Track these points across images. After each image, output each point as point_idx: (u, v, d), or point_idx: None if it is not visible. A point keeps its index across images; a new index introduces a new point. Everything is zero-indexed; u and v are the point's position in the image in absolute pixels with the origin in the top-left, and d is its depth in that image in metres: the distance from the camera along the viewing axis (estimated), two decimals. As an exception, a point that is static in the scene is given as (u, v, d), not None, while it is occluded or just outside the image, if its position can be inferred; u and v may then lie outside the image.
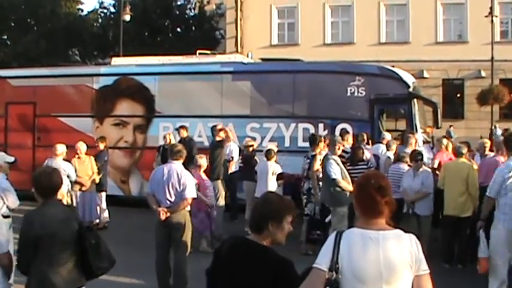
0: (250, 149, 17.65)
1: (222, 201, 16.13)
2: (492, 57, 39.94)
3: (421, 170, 13.60)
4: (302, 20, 46.22)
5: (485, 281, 11.29)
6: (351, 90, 19.73)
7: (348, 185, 13.25)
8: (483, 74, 43.54)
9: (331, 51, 42.67)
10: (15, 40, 46.84)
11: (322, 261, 4.41)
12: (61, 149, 15.73)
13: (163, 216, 10.42)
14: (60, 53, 45.05)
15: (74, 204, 16.24)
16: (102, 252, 6.50)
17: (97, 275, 6.64)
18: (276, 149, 16.49)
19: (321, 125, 19.75)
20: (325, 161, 13.67)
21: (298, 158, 16.34)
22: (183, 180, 10.51)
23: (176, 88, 21.49)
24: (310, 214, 14.40)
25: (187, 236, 10.77)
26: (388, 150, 16.22)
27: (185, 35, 47.53)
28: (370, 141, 17.96)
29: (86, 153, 16.89)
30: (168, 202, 10.50)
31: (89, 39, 47.69)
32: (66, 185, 15.82)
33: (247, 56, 25.93)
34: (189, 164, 13.38)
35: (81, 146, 16.75)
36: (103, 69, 24.30)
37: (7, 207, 8.98)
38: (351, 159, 14.97)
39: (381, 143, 17.39)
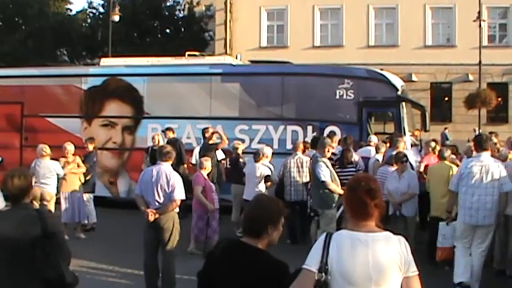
0: (239, 151, 17.61)
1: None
2: (480, 61, 40.07)
3: (405, 171, 13.65)
4: (291, 22, 46.23)
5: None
6: (339, 93, 19.79)
7: (336, 188, 13.29)
8: (471, 77, 43.71)
9: (320, 53, 42.76)
10: (2, 39, 46.49)
11: (312, 262, 4.44)
12: (49, 149, 15.75)
13: (151, 218, 10.40)
14: (48, 53, 44.81)
15: (63, 205, 16.22)
16: (51, 263, 5.96)
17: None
18: (270, 152, 16.46)
19: (309, 128, 19.81)
20: (314, 163, 13.69)
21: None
22: (172, 182, 10.49)
23: (165, 89, 21.46)
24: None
25: (176, 238, 10.76)
26: (377, 153, 16.26)
27: (174, 36, 47.40)
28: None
29: (74, 154, 16.81)
30: (157, 203, 10.48)
31: (78, 39, 47.38)
32: (54, 186, 15.88)
33: (236, 58, 25.96)
34: (177, 164, 13.37)
35: (69, 147, 16.68)
36: (92, 70, 24.27)
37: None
38: (340, 161, 15.01)
39: (369, 145, 17.42)
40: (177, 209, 10.84)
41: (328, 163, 13.64)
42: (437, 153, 15.47)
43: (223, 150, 18.40)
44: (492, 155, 11.82)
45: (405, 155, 13.99)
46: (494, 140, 17.68)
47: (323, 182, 13.23)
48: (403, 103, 19.95)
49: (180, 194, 10.58)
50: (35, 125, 22.50)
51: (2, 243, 5.84)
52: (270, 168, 15.90)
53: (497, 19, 46.62)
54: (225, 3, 46.43)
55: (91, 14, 50.83)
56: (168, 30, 49.24)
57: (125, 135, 21.79)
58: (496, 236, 12.46)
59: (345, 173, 14.40)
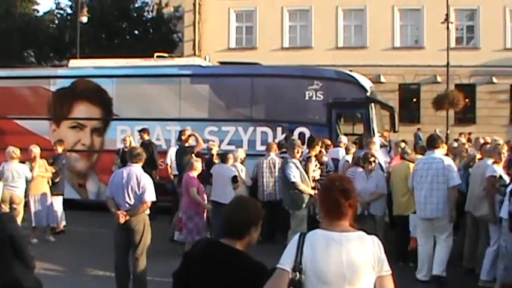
0: (213, 152, 17.56)
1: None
2: (448, 63, 40.37)
3: (374, 172, 13.73)
4: (260, 23, 46.27)
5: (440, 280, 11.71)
6: (309, 94, 19.85)
7: (306, 188, 13.35)
8: (439, 79, 44.05)
9: (289, 55, 42.86)
10: (-32, 40, 46.20)
11: (286, 261, 4.46)
12: (18, 151, 15.61)
13: (122, 220, 10.35)
14: (15, 54, 44.51)
15: (32, 208, 16.10)
16: (7, 267, 5.99)
17: None
18: (243, 154, 16.45)
19: (279, 129, 19.85)
20: (284, 164, 13.73)
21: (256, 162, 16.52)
22: (143, 184, 10.45)
23: (134, 91, 21.38)
24: (311, 214, 14.48)
25: (147, 239, 10.73)
26: (346, 153, 16.33)
27: (143, 38, 47.26)
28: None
29: (41, 157, 16.67)
30: (128, 205, 10.43)
31: (45, 40, 47.03)
32: (23, 189, 15.73)
33: (205, 59, 25.97)
34: (149, 167, 13.32)
35: (35, 149, 16.52)
36: (60, 71, 24.17)
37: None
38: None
39: (339, 146, 17.50)
40: (148, 211, 10.80)
41: (298, 164, 13.71)
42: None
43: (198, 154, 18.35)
44: (447, 154, 12.56)
45: (373, 155, 14.07)
46: (463, 140, 17.91)
47: (293, 182, 13.28)
48: (372, 104, 20.08)
49: (150, 196, 10.54)
50: (2, 127, 22.25)
51: None
52: (242, 170, 15.90)
53: (464, 21, 47.06)
54: (194, 4, 46.28)
55: (58, 15, 50.52)
56: (136, 32, 49.17)
57: (94, 137, 21.66)
58: (466, 235, 12.68)
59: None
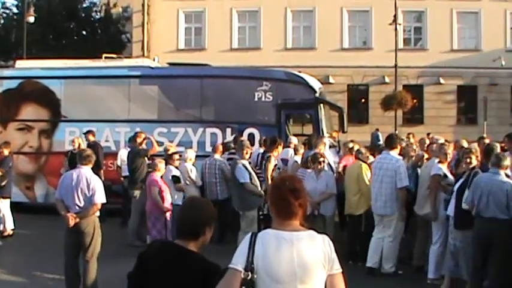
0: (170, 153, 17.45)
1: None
2: (396, 64, 40.86)
3: (323, 172, 13.81)
4: (209, 24, 46.31)
5: (390, 278, 11.86)
6: (258, 95, 19.89)
7: (256, 189, 13.39)
8: (387, 80, 44.59)
9: (238, 56, 42.88)
10: None
11: (238, 261, 4.48)
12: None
13: (72, 222, 10.25)
14: (-41, 55, 43.97)
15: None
16: None
17: None
18: (193, 154, 16.39)
19: (228, 130, 19.84)
20: (233, 165, 13.75)
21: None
22: (92, 185, 10.37)
23: (82, 92, 21.14)
24: (270, 214, 14.45)
25: (97, 242, 10.65)
26: (295, 154, 16.38)
27: (91, 38, 46.87)
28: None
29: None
30: (77, 208, 10.34)
31: (-10, 40, 46.49)
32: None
33: (154, 60, 25.85)
34: (95, 169, 13.21)
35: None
36: (7, 72, 23.84)
37: None
38: (260, 163, 15.09)
39: (288, 147, 17.55)
40: (98, 213, 10.73)
41: (248, 165, 13.73)
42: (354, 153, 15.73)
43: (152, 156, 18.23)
44: (401, 154, 13.37)
45: (322, 156, 14.15)
46: (411, 140, 18.12)
47: (242, 184, 13.31)
48: (321, 105, 20.20)
49: (100, 198, 10.47)
50: None
51: None
52: (191, 170, 15.86)
53: (412, 22, 47.80)
54: (143, 5, 46.10)
55: (4, 15, 49.76)
56: (84, 32, 48.77)
57: (41, 139, 21.36)
58: (416, 234, 12.87)
59: (263, 174, 14.54)
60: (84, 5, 49.28)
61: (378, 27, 44.80)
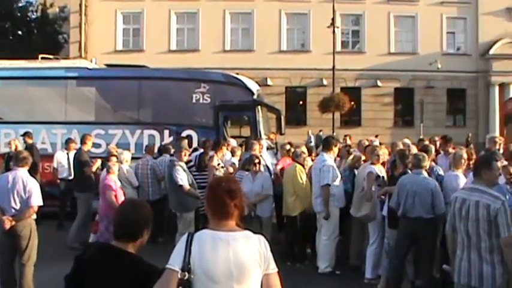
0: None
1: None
2: (333, 66, 41.21)
3: (259, 173, 13.86)
4: (147, 26, 46.16)
5: (327, 278, 11.96)
6: (196, 97, 19.87)
7: (194, 191, 13.39)
8: (325, 82, 44.97)
9: (176, 58, 42.84)
10: None
11: (175, 261, 4.51)
12: None
13: (8, 225, 10.09)
14: None
15: None
16: None
17: None
18: (129, 155, 16.26)
19: (166, 132, 19.77)
20: (171, 167, 13.71)
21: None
22: (29, 188, 10.21)
23: (18, 93, 20.76)
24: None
25: (34, 245, 10.50)
26: (233, 156, 16.39)
27: (26, 38, 46.22)
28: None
29: None
30: (13, 210, 10.16)
31: None
32: None
33: (92, 62, 25.59)
34: (32, 170, 13.03)
35: None
36: None
37: None
38: (198, 165, 15.09)
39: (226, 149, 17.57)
40: (35, 216, 10.59)
41: (185, 167, 13.72)
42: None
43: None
44: (339, 156, 14.16)
45: (258, 157, 14.20)
46: (348, 142, 18.30)
47: (180, 186, 13.29)
48: (259, 107, 20.26)
49: (37, 200, 10.33)
50: None
51: None
52: (127, 171, 15.76)
53: (350, 26, 48.37)
54: (80, 5, 45.68)
55: None
56: (20, 32, 47.98)
57: (-24, 141, 20.99)
58: (352, 234, 13.01)
59: (202, 176, 14.53)
60: (20, 5, 48.62)
61: (316, 30, 45.16)
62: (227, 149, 16.38)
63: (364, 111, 47.28)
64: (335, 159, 13.84)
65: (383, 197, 11.74)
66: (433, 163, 12.39)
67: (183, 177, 13.38)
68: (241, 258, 4.51)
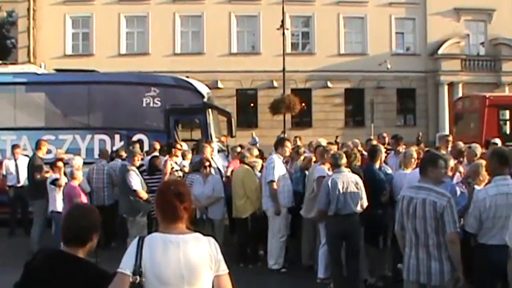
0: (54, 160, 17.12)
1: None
2: (284, 68, 41.23)
3: (210, 176, 13.91)
4: (97, 30, 45.81)
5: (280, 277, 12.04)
6: (146, 101, 19.84)
7: (146, 195, 13.40)
8: (275, 84, 45.09)
9: (127, 61, 42.57)
10: None
11: (126, 265, 4.54)
12: None
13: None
14: None
15: None
16: None
17: None
18: (81, 160, 16.14)
19: (117, 136, 19.70)
20: (124, 171, 13.69)
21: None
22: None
23: (-34, 99, 20.56)
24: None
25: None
26: (184, 159, 16.40)
27: (-26, 43, 45.72)
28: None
29: None
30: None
31: None
32: None
33: (41, 67, 25.39)
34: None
35: None
36: None
37: None
38: (148, 169, 15.07)
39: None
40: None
41: (137, 171, 13.71)
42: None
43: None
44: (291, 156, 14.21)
45: (208, 160, 14.25)
46: (299, 143, 18.41)
47: (134, 190, 13.29)
48: (209, 110, 20.31)
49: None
50: None
51: None
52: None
53: (300, 27, 48.60)
54: (28, 9, 45.16)
55: None
56: (-34, 36, 47.35)
57: None
58: (303, 234, 13.12)
59: (153, 180, 14.53)
60: (-34, 9, 48.00)
61: (266, 32, 45.26)
62: (141, 155, 16.25)
63: (315, 112, 47.54)
64: (287, 161, 13.97)
65: None
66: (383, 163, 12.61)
67: (136, 182, 13.39)
68: (192, 261, 4.56)
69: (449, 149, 14.45)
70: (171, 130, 19.81)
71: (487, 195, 7.37)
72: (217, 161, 16.58)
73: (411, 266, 7.38)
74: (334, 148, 14.18)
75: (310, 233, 13.02)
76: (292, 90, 44.60)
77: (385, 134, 17.50)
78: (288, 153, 13.82)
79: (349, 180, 10.73)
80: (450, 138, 15.53)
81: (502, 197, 7.06)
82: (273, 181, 12.73)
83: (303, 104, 43.56)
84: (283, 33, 41.23)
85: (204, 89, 21.07)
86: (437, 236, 7.14)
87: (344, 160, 11.02)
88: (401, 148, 14.67)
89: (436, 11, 48.41)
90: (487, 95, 30.85)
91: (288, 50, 44.39)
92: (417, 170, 8.33)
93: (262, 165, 14.33)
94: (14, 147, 18.17)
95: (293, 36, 48.02)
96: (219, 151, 19.38)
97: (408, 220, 7.38)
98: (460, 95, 46.32)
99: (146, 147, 18.62)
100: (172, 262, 4.53)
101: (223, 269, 4.72)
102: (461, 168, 11.30)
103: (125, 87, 20.58)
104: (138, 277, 4.48)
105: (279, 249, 12.97)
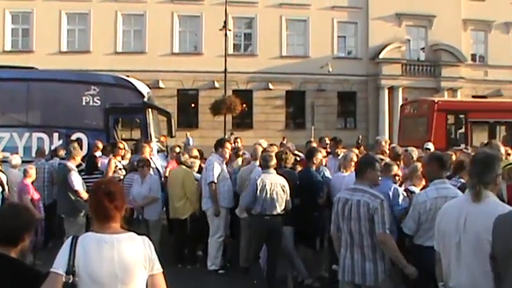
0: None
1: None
2: (225, 69, 41.33)
3: (148, 176, 13.86)
4: (37, 26, 45.26)
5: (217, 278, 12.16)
6: (86, 99, 19.66)
7: (87, 195, 13.31)
8: (217, 85, 45.14)
9: (67, 59, 42.16)
10: None
11: (59, 265, 4.51)
12: None
13: None
14: None
15: None
16: None
17: None
18: (19, 160, 15.95)
19: (55, 135, 19.47)
20: (66, 172, 13.57)
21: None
22: None
23: None
24: None
25: None
26: (122, 159, 16.31)
27: None
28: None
29: None
30: None
31: None
32: None
33: (-22, 63, 24.97)
34: None
35: None
36: None
37: None
38: (86, 168, 14.95)
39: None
40: None
41: (76, 171, 13.62)
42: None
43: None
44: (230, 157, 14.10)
45: (146, 160, 14.22)
46: (239, 144, 18.50)
47: (76, 191, 13.20)
48: (149, 109, 20.22)
49: None
50: None
51: None
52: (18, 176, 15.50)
53: (243, 28, 48.77)
54: (-35, 4, 44.51)
55: None
56: None
57: None
58: (241, 236, 13.18)
59: (91, 179, 14.40)
60: None
61: (208, 32, 45.32)
62: (125, 152, 16.28)
63: (256, 114, 47.73)
64: (227, 162, 14.02)
65: None
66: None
67: (78, 182, 13.31)
68: (125, 260, 4.56)
69: (388, 152, 14.59)
70: (110, 129, 19.65)
71: (427, 198, 7.52)
72: (156, 161, 16.55)
73: (346, 266, 7.50)
74: (275, 150, 14.21)
75: (246, 234, 13.07)
76: (234, 91, 44.76)
77: (326, 138, 17.64)
78: (227, 155, 13.83)
79: (277, 182, 10.89)
80: (384, 142, 15.67)
81: (442, 200, 7.16)
82: (213, 182, 12.76)
83: (244, 106, 43.66)
84: (226, 34, 41.34)
85: (144, 89, 20.98)
86: (371, 237, 7.28)
87: (273, 162, 11.19)
88: (340, 151, 14.80)
89: (378, 16, 49.07)
90: (436, 99, 31.48)
91: (230, 51, 44.60)
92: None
93: (200, 166, 14.42)
94: None
95: (235, 37, 48.17)
96: (158, 151, 19.35)
97: (344, 221, 7.49)
98: (400, 99, 47.19)
99: (85, 146, 18.46)
100: (106, 261, 4.53)
101: (158, 268, 4.74)
102: (399, 171, 11.48)
103: (64, 85, 20.33)
104: (71, 277, 4.46)
105: (216, 249, 13.00)
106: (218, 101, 41.40)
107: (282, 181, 10.97)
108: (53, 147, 18.31)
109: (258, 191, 10.82)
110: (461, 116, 28.13)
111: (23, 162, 16.28)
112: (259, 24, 47.82)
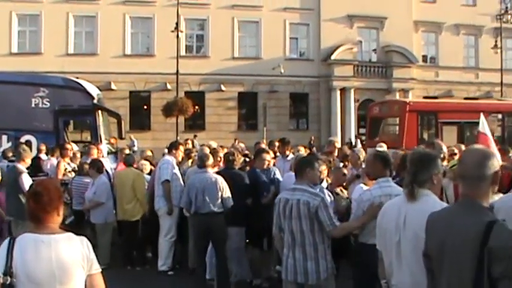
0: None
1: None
2: (177, 71, 41.28)
3: (96, 179, 13.79)
4: (-13, 28, 44.73)
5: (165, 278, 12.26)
6: (35, 101, 19.60)
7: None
8: (169, 86, 45.03)
9: (18, 61, 41.64)
10: None
11: None
12: None
13: None
14: None
15: None
16: None
17: None
18: None
19: (4, 137, 19.38)
20: (17, 173, 13.47)
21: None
22: None
23: None
24: None
25: None
26: (72, 161, 16.25)
27: None
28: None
29: None
30: None
31: None
32: None
33: None
34: None
35: None
36: None
37: None
38: (32, 170, 14.85)
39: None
40: None
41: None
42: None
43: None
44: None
45: (98, 162, 14.18)
46: (190, 146, 18.63)
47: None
48: (99, 111, 20.22)
49: None
50: None
51: None
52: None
53: (195, 30, 48.71)
54: None
55: None
56: None
57: None
58: (190, 236, 13.22)
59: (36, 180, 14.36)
60: None
61: (160, 34, 45.16)
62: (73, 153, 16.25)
63: (208, 115, 47.70)
64: (179, 163, 14.07)
65: None
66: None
67: (29, 184, 13.23)
68: (63, 260, 4.55)
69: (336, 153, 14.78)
70: (60, 131, 19.61)
71: (371, 196, 7.55)
72: (106, 163, 16.51)
73: (289, 266, 7.54)
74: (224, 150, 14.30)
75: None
76: (186, 93, 44.70)
77: (276, 142, 17.77)
78: (180, 157, 13.93)
79: (210, 181, 10.87)
80: (336, 143, 15.83)
81: (386, 198, 7.24)
82: (167, 181, 12.79)
83: (196, 107, 43.74)
84: (178, 36, 41.24)
85: (94, 90, 20.97)
86: (312, 235, 7.34)
87: (210, 161, 11.29)
88: (289, 151, 14.93)
89: (330, 17, 49.31)
90: (407, 100, 31.76)
91: (183, 52, 44.51)
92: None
93: (151, 169, 14.48)
94: None
95: (188, 39, 48.05)
96: (108, 153, 19.33)
97: (285, 221, 7.54)
98: (352, 100, 47.53)
99: (34, 148, 18.34)
100: (44, 261, 4.52)
101: (96, 268, 4.74)
102: (345, 172, 11.61)
103: (13, 87, 20.24)
104: (8, 278, 4.45)
105: (168, 249, 13.01)
106: (170, 102, 41.31)
107: (217, 179, 10.94)
108: (1, 150, 18.19)
109: (189, 191, 10.96)
110: (432, 117, 28.42)
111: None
112: (211, 26, 47.77)
